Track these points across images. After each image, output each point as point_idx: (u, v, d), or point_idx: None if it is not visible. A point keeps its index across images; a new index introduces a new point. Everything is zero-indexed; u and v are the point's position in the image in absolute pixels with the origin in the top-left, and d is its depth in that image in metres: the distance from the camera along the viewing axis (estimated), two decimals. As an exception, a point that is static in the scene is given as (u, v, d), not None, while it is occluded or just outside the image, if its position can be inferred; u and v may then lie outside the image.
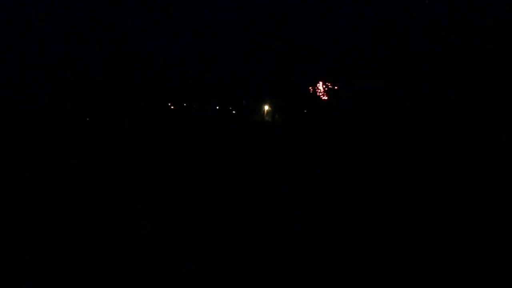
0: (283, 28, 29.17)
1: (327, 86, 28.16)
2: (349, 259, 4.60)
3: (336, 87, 27.69)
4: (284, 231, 5.45)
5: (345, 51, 27.02)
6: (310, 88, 29.03)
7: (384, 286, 4.10)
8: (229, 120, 30.66)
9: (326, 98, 28.17)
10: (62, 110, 27.22)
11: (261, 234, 5.32)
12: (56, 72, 28.35)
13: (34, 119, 25.26)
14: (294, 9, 29.28)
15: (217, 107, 32.51)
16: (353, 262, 4.55)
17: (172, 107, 32.28)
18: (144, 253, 4.59)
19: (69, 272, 4.09)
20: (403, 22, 24.86)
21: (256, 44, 29.90)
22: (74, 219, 5.67)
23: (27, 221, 5.54)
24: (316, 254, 4.73)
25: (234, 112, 32.93)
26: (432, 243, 5.20)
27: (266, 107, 32.00)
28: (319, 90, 28.64)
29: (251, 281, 4.08)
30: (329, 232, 5.54)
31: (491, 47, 21.77)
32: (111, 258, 4.46)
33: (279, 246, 4.92)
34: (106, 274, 4.11)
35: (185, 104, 32.85)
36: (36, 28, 28.94)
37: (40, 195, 6.96)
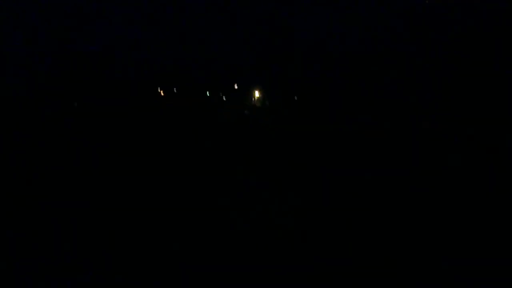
0: (272, 18, 29.00)
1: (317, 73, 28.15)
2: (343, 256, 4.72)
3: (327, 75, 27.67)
4: (275, 226, 5.57)
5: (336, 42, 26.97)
6: (301, 74, 28.99)
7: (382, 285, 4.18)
8: (220, 106, 30.67)
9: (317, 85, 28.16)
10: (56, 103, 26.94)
11: (255, 229, 5.44)
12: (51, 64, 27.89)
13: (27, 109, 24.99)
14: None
15: (208, 94, 32.44)
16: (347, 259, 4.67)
17: (162, 94, 32.20)
18: (141, 252, 4.71)
19: (67, 272, 4.20)
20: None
21: (246, 32, 29.72)
22: (72, 219, 5.77)
23: (24, 220, 5.65)
24: (309, 249, 4.87)
25: (224, 98, 32.89)
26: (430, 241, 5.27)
27: (256, 94, 32.00)
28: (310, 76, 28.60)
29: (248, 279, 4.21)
30: (322, 226, 5.65)
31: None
32: (110, 258, 4.57)
33: (271, 242, 5.03)
34: (104, 274, 4.23)
35: (175, 90, 32.74)
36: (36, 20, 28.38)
37: (38, 194, 7.03)
